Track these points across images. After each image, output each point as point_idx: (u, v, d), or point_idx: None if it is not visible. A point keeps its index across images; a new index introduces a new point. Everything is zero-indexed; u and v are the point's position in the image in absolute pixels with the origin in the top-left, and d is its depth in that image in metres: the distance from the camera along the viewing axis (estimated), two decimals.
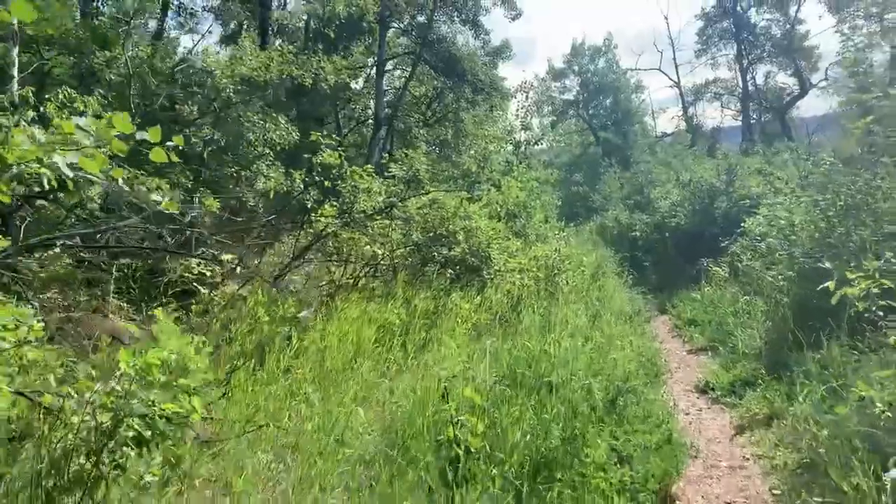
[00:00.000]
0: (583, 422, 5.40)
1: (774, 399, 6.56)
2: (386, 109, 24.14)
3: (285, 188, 11.28)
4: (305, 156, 11.30)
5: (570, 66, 38.88)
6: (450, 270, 10.78)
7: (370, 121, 23.77)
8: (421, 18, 23.40)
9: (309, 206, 11.00)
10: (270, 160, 13.18)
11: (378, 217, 10.86)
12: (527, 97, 20.35)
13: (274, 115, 11.52)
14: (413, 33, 22.33)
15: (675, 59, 37.64)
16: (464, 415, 4.72)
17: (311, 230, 10.57)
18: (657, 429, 6.04)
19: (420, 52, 22.22)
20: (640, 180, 23.32)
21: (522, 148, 20.38)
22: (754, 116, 30.07)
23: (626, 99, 38.08)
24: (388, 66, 27.47)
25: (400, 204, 10.88)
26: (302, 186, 11.39)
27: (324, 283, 11.29)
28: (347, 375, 7.06)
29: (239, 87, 10.90)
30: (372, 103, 23.93)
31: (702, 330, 10.58)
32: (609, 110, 38.40)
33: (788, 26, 27.96)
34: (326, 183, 10.64)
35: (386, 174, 11.21)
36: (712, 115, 40.75)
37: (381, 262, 10.66)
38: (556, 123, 39.97)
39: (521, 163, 19.99)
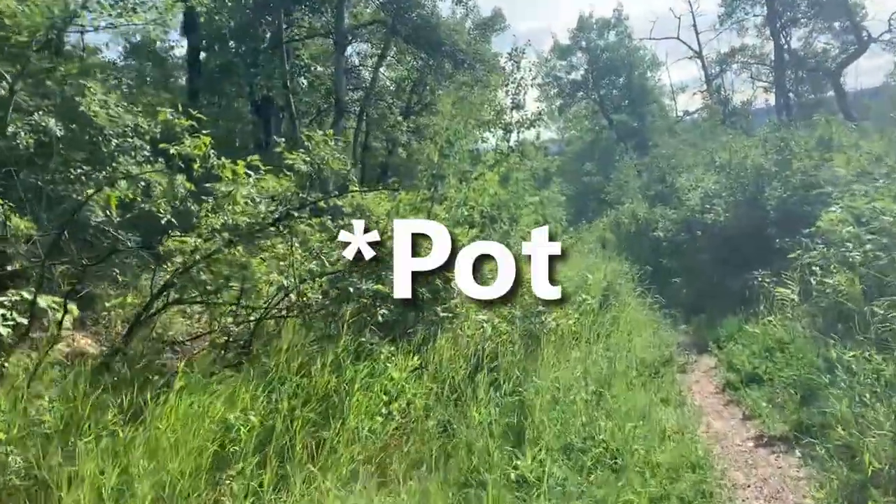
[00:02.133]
0: None
1: None
2: (352, 93, 20.44)
3: (133, 195, 7.55)
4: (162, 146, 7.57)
5: (576, 42, 34.67)
6: (382, 311, 7.03)
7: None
8: None
9: (164, 220, 7.27)
10: (145, 155, 9.41)
11: (271, 234, 7.20)
12: (518, 67, 16.47)
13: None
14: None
15: (695, 25, 33.25)
16: None
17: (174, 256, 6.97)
18: None
19: (392, 23, 18.47)
20: (661, 166, 19.32)
21: (515, 132, 16.46)
22: (791, 89, 25.78)
23: (640, 76, 33.85)
24: (364, 45, 23.79)
25: (297, 214, 7.13)
26: (179, 191, 7.66)
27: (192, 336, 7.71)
28: None
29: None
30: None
31: (771, 395, 6.70)
32: (622, 90, 34.20)
33: None
34: (188, 185, 7.00)
35: (259, 170, 7.37)
36: (740, 88, 36.20)
37: (284, 303, 7.08)
38: (563, 108, 35.93)
39: (513, 150, 16.10)
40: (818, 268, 7.75)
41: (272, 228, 7.05)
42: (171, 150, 6.84)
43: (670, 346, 8.93)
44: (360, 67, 22.83)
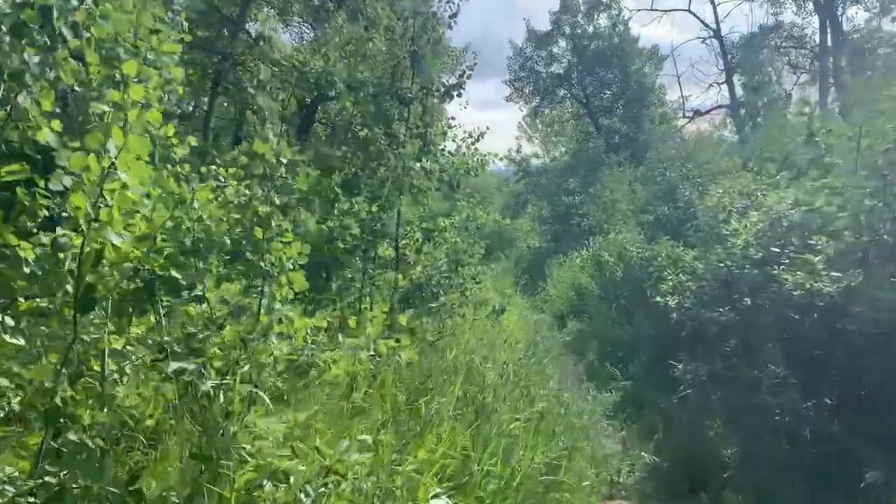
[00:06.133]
0: None
1: None
2: None
3: None
4: None
5: (558, 27, 27.68)
6: None
7: None
8: None
9: None
10: None
11: None
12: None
13: None
14: None
15: None
16: None
17: None
18: None
19: None
20: (668, 175, 12.27)
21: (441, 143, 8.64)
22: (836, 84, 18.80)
23: (637, 71, 26.67)
24: None
25: None
26: None
27: None
28: None
29: None
30: None
31: None
32: (616, 86, 27.04)
33: None
34: None
35: None
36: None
37: None
38: (539, 109, 28.95)
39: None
40: None
41: None
42: None
43: None
44: None
